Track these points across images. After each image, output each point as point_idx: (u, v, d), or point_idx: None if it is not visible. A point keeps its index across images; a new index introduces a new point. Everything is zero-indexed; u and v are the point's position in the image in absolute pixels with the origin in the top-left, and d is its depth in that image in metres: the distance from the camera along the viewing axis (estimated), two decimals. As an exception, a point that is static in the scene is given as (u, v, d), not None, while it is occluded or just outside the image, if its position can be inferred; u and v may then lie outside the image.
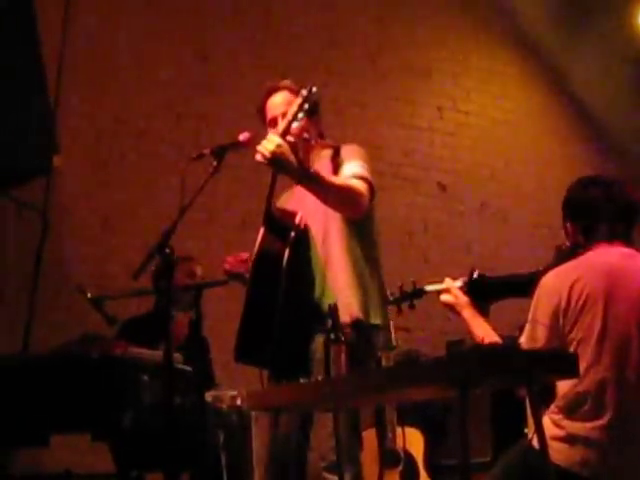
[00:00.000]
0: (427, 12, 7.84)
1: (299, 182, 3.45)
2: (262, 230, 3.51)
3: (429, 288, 3.67)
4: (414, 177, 7.58)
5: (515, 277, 3.57)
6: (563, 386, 3.19)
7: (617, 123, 8.23)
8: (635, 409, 3.16)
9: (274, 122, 3.67)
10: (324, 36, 7.31)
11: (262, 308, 3.37)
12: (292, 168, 3.38)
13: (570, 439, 3.14)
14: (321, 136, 3.77)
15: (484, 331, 3.43)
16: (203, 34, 6.80)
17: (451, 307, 3.54)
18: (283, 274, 3.33)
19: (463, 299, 3.51)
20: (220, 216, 6.50)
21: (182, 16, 6.75)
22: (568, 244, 3.40)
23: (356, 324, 3.44)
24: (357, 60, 7.45)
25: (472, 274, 3.55)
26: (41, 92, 5.28)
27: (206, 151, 3.52)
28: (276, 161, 3.35)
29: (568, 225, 3.39)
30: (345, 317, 3.26)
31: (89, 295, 4.77)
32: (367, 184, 3.56)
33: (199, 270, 5.43)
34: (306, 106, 3.38)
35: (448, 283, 3.57)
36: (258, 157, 3.36)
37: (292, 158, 3.36)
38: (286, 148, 3.34)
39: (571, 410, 3.17)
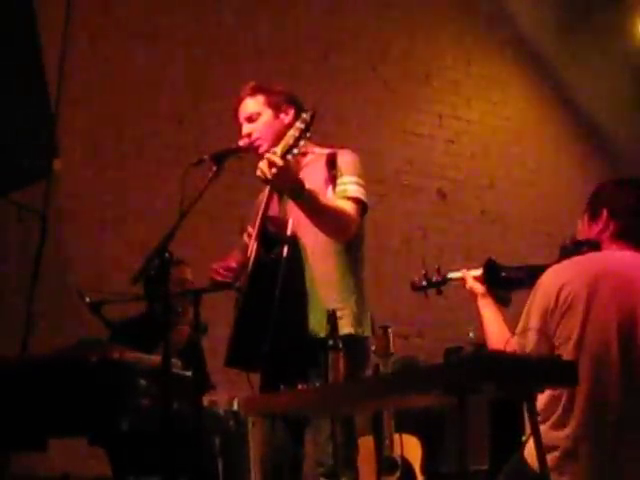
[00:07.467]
0: (428, 20, 7.86)
1: (294, 200, 3.41)
2: (255, 244, 3.50)
3: (451, 275, 3.74)
4: (414, 184, 7.58)
5: (528, 267, 3.56)
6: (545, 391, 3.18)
7: (617, 131, 8.25)
8: (608, 417, 3.09)
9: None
10: (326, 43, 7.32)
11: (256, 317, 3.36)
12: (290, 187, 3.37)
13: (546, 449, 3.13)
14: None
15: (495, 322, 3.44)
16: (205, 40, 6.81)
17: (470, 294, 3.57)
18: (279, 284, 3.33)
19: (478, 288, 3.54)
20: (219, 221, 6.50)
21: (185, 21, 6.75)
22: (577, 239, 3.35)
23: (348, 339, 3.40)
24: (358, 67, 7.46)
25: (487, 261, 3.57)
26: (42, 95, 5.28)
27: (206, 157, 3.52)
28: (276, 179, 3.33)
29: (602, 219, 3.30)
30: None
31: (87, 300, 4.77)
32: (359, 205, 3.54)
33: (189, 274, 5.38)
34: (308, 134, 3.35)
35: (464, 272, 3.61)
36: (258, 173, 3.35)
37: (291, 177, 3.34)
38: (286, 167, 3.30)
39: (546, 415, 3.15)
